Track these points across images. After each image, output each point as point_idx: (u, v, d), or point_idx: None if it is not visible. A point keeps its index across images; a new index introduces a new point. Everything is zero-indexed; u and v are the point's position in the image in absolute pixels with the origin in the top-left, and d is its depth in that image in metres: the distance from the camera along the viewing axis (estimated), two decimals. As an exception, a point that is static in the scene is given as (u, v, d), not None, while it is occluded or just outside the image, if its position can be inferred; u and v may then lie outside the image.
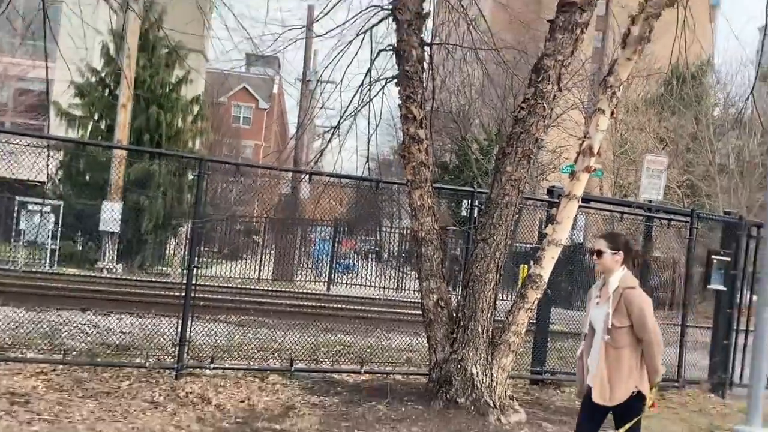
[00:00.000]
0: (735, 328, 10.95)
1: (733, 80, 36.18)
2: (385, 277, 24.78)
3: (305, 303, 15.36)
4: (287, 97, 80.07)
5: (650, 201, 10.60)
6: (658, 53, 22.64)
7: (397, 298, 19.56)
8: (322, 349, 10.48)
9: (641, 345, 4.99)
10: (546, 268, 8.12)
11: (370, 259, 30.39)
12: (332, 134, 10.12)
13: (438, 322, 8.38)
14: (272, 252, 24.61)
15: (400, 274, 25.02)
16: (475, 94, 33.17)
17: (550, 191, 10.13)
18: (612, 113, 7.83)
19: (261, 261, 23.94)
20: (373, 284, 23.34)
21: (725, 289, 10.62)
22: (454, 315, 8.39)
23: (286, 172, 15.77)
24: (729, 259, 10.57)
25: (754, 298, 9.00)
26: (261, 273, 23.06)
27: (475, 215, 9.44)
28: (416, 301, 9.02)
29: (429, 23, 9.63)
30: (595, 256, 5.18)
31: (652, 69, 28.36)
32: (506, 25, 16.34)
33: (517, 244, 15.33)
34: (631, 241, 5.47)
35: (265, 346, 10.22)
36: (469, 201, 10.14)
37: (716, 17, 73.12)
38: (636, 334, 5.00)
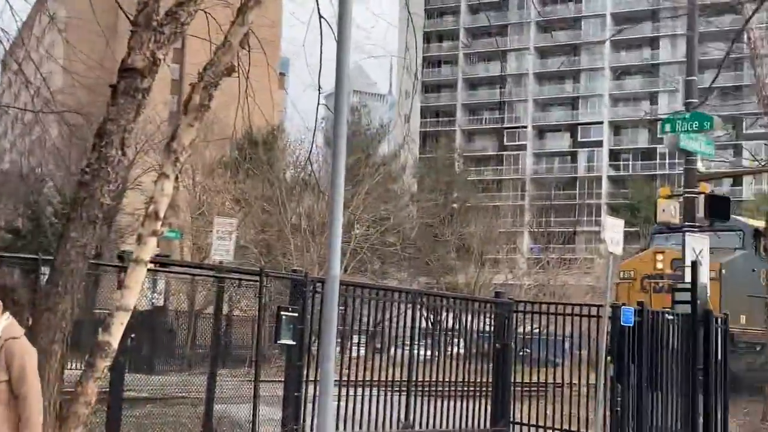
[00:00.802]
0: (305, 380, 11.52)
1: (302, 145, 38.42)
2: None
3: None
4: None
5: (221, 262, 10.89)
6: (229, 120, 23.47)
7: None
8: None
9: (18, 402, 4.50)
10: (115, 335, 7.94)
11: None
12: None
13: None
14: None
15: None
16: (48, 156, 31.84)
17: (120, 257, 10.02)
18: (177, 178, 7.96)
19: None
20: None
21: (294, 343, 11.17)
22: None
23: None
24: (297, 314, 11.15)
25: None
26: None
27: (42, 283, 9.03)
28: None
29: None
30: None
31: (225, 133, 29.29)
32: (76, 89, 15.99)
33: (100, 310, 14.91)
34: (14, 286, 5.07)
35: None
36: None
37: (286, 84, 77.59)
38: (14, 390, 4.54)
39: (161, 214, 8.06)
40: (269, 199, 31.99)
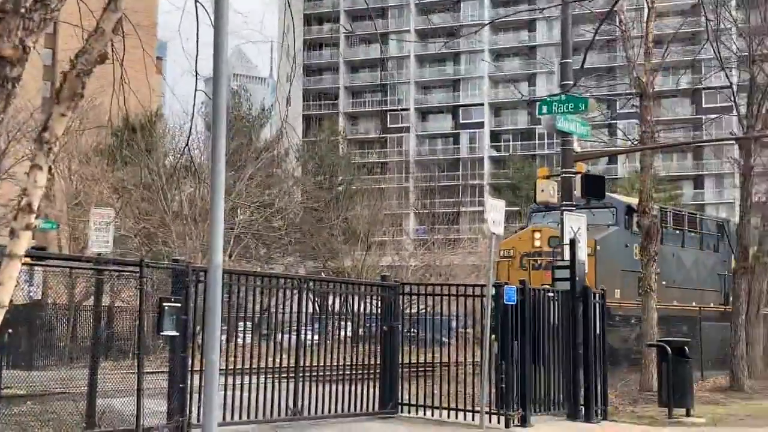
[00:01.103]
0: (190, 370, 11.35)
1: (181, 130, 37.69)
2: None
3: None
4: None
5: (99, 254, 10.60)
6: (106, 105, 22.82)
7: None
8: None
9: None
10: (-12, 333, 7.65)
11: None
12: None
13: None
14: None
15: None
16: None
17: (-7, 251, 9.60)
18: (50, 169, 7.67)
19: None
20: None
21: (177, 334, 10.99)
22: None
23: None
24: (180, 305, 10.97)
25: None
26: None
27: None
28: None
29: None
30: None
31: (101, 119, 28.48)
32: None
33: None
34: None
35: None
36: None
37: (164, 69, 75.90)
38: None
39: (35, 207, 7.76)
40: (149, 186, 31.31)
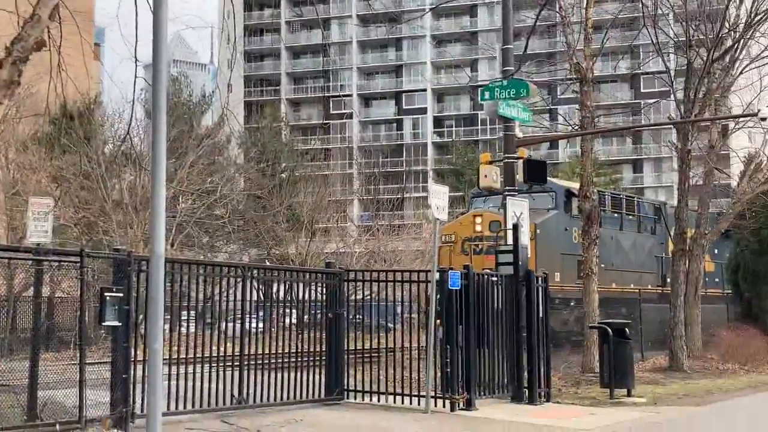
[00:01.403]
0: (133, 360, 11.23)
1: (120, 118, 37.16)
2: None
3: None
4: None
5: (39, 244, 10.42)
6: (44, 92, 22.37)
7: None
8: None
9: None
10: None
11: None
12: None
13: None
14: None
15: None
16: None
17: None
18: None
19: None
20: None
21: (120, 324, 10.86)
22: None
23: None
24: (122, 294, 10.83)
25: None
26: None
27: None
28: None
29: None
30: None
31: (39, 107, 27.90)
32: None
33: None
34: None
35: None
36: None
37: (102, 55, 74.70)
38: None
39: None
40: (88, 175, 30.77)
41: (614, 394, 16.76)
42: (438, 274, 14.44)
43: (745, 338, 24.79)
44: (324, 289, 15.04)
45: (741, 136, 33.65)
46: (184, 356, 12.47)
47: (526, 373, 15.68)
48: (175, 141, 32.92)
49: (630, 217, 28.80)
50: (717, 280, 31.22)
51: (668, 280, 28.68)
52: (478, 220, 24.60)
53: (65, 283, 20.27)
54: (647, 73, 54.73)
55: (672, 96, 26.82)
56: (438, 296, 14.36)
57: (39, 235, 10.35)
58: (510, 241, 16.72)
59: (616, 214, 27.61)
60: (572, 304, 25.08)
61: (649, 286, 28.01)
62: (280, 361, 14.12)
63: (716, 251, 31.29)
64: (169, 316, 12.22)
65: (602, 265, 24.55)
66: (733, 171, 39.12)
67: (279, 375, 13.69)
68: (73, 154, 31.68)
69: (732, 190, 33.61)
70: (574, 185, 28.71)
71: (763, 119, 21.61)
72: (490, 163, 19.09)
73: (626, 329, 17.58)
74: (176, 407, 11.89)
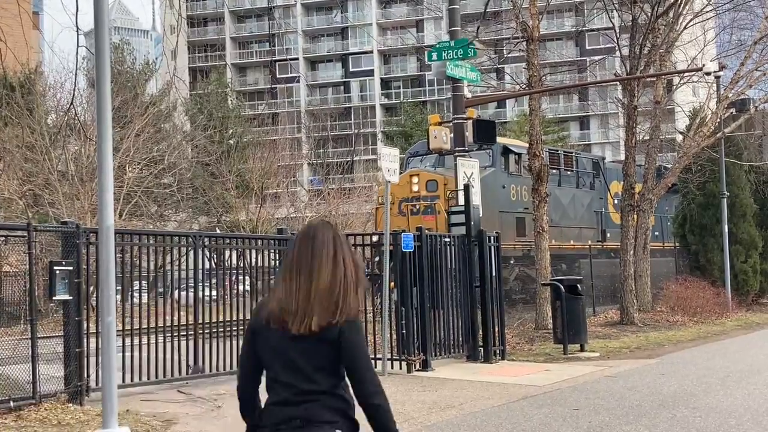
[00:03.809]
0: (87, 333, 11.10)
1: (62, 88, 36.38)
2: None
3: None
4: None
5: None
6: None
7: None
8: None
9: None
10: None
11: None
12: None
13: None
14: None
15: None
16: None
17: None
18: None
19: None
20: None
21: (71, 298, 10.70)
22: None
23: None
24: (72, 268, 10.66)
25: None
26: None
27: None
28: None
29: None
30: None
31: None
32: None
33: None
34: None
35: None
36: None
37: (41, 24, 72.99)
38: None
39: None
40: (32, 146, 30.17)
41: (568, 350, 17.00)
42: (391, 236, 14.45)
43: (694, 290, 25.25)
44: (277, 256, 14.97)
45: (685, 90, 34.05)
46: (138, 327, 12.36)
47: (480, 332, 15.82)
48: (119, 110, 32.38)
49: (568, 172, 28.81)
50: (657, 233, 31.59)
51: (608, 235, 29.05)
52: (415, 180, 24.14)
53: (12, 257, 19.93)
54: (592, 30, 54.98)
55: (617, 52, 27.00)
56: (391, 259, 14.37)
57: (-17, 210, 10.10)
58: (462, 201, 16.78)
59: (554, 170, 27.49)
60: (512, 262, 25.05)
61: (589, 242, 28.17)
62: (235, 329, 14.06)
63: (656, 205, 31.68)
64: (120, 288, 12.07)
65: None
66: (678, 126, 39.65)
67: (234, 343, 13.63)
68: (15, 125, 31.00)
69: (678, 144, 34.06)
70: (512, 142, 28.76)
71: (708, 74, 21.86)
72: (440, 124, 19.10)
73: (578, 286, 17.81)
74: (131, 379, 11.80)
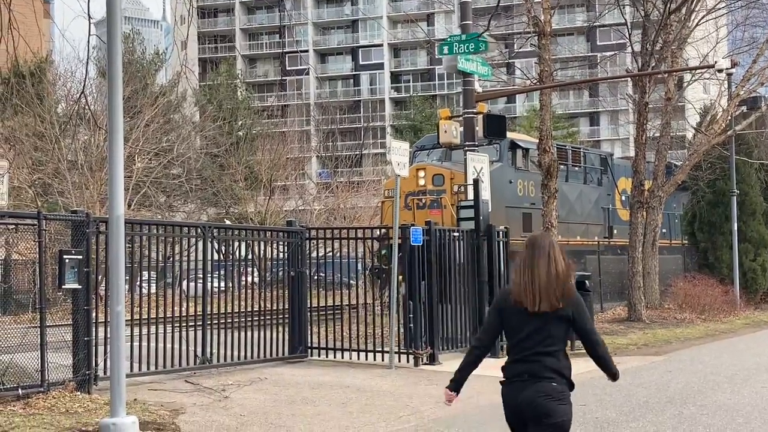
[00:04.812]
0: (95, 322, 11.12)
1: (73, 77, 36.45)
2: None
3: None
4: None
5: (-7, 207, 10.22)
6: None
7: None
8: None
9: None
10: None
11: None
12: None
13: None
14: None
15: None
16: None
17: None
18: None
19: None
20: None
21: (80, 287, 10.72)
22: None
23: None
24: (81, 257, 10.68)
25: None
26: None
27: None
28: None
29: None
30: None
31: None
32: None
33: None
34: None
35: None
36: None
37: (53, 12, 73.07)
38: None
39: None
40: (42, 135, 30.24)
41: (575, 346, 16.93)
42: (400, 230, 14.44)
43: (702, 288, 25.20)
44: (285, 248, 14.97)
45: (696, 87, 33.92)
46: (146, 317, 12.39)
47: (488, 327, 15.77)
48: (129, 100, 32.42)
49: (576, 168, 28.67)
50: (665, 231, 31.48)
51: (615, 231, 28.93)
52: (421, 173, 23.96)
53: (21, 245, 19.98)
54: (604, 26, 54.81)
55: (629, 48, 26.90)
56: (400, 253, 14.37)
57: (-6, 198, 10.12)
58: (471, 196, 16.75)
59: (562, 166, 27.24)
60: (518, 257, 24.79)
61: (596, 238, 28.02)
62: (243, 320, 14.08)
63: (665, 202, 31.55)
64: (128, 277, 12.08)
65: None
66: (688, 123, 39.48)
67: (242, 334, 13.66)
68: (25, 114, 31.08)
69: (688, 141, 33.95)
70: (519, 137, 28.59)
71: (720, 71, 21.76)
72: (450, 118, 19.06)
73: (586, 281, 17.76)
74: (139, 369, 11.84)
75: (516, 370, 5.12)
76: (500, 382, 5.26)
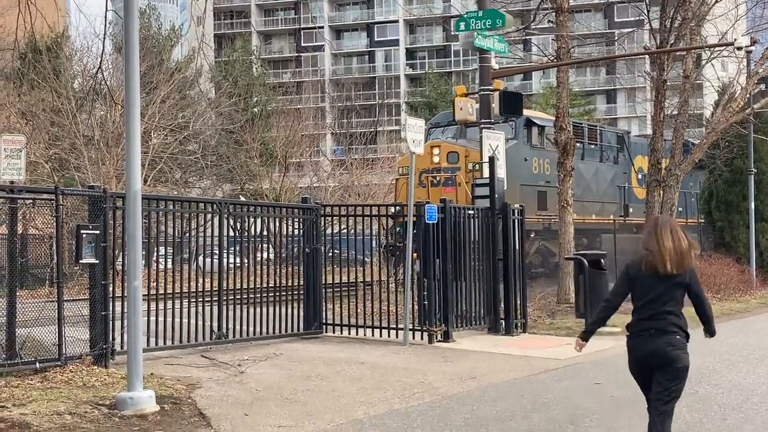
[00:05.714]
0: (112, 297, 11.19)
1: (89, 52, 36.49)
2: None
3: None
4: None
5: (12, 182, 10.24)
6: (10, 27, 21.86)
7: None
8: None
9: None
10: None
11: None
12: None
13: None
14: None
15: None
16: None
17: None
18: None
19: None
20: None
21: (98, 262, 10.77)
22: None
23: None
24: (98, 232, 10.73)
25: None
26: None
27: None
28: None
29: None
30: None
31: (5, 42, 27.31)
32: None
33: None
34: None
35: None
36: None
37: (68, -12, 72.97)
38: None
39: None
40: (58, 110, 30.31)
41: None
42: (415, 207, 14.44)
43: (718, 267, 25.09)
44: (300, 224, 15.00)
45: (715, 65, 33.64)
46: (163, 292, 12.46)
47: (502, 305, 15.81)
48: (145, 75, 32.44)
49: (592, 146, 28.51)
50: (681, 209, 31.34)
51: (631, 210, 28.80)
52: (436, 151, 23.84)
53: (38, 219, 20.10)
54: (622, 2, 54.30)
55: (647, 25, 26.67)
56: (415, 230, 14.37)
57: (12, 173, 10.19)
58: (486, 174, 16.71)
59: (578, 144, 27.15)
60: (533, 235, 24.75)
61: (611, 216, 27.89)
62: (258, 296, 14.14)
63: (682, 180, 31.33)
64: (144, 253, 12.14)
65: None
66: (706, 101, 39.17)
67: (258, 310, 13.72)
68: (42, 89, 31.15)
69: (706, 120, 33.69)
70: (535, 114, 28.42)
71: (739, 48, 21.56)
72: (466, 95, 18.98)
73: (602, 260, 17.69)
74: (156, 343, 11.92)
75: (644, 326, 6.26)
76: (626, 336, 6.43)
